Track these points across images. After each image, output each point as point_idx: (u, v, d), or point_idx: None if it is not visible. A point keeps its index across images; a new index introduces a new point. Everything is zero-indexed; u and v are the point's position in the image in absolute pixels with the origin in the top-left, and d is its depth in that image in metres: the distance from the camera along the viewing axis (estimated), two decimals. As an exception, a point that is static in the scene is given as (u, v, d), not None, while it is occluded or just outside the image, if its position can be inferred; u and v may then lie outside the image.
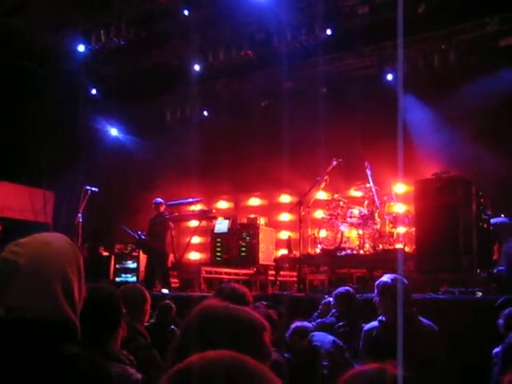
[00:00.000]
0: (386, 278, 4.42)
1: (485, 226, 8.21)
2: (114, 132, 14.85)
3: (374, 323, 4.42)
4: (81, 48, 12.56)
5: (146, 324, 5.09)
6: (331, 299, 5.73)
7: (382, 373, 1.66)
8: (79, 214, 10.52)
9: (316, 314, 6.01)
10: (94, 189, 10.82)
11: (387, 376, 1.64)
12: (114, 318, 2.58)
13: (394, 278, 4.36)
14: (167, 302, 6.07)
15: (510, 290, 6.34)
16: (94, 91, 14.28)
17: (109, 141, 14.63)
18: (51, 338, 1.61)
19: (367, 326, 4.50)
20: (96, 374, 1.66)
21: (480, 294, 6.68)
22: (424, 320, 4.37)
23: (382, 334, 4.24)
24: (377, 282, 4.45)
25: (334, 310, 5.56)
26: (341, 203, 10.15)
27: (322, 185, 9.81)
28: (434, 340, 4.22)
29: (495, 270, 7.59)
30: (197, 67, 12.97)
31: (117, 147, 14.43)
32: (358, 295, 5.88)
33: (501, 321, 4.79)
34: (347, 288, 5.89)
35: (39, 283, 1.67)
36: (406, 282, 4.46)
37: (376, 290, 4.41)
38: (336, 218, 10.01)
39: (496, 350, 4.78)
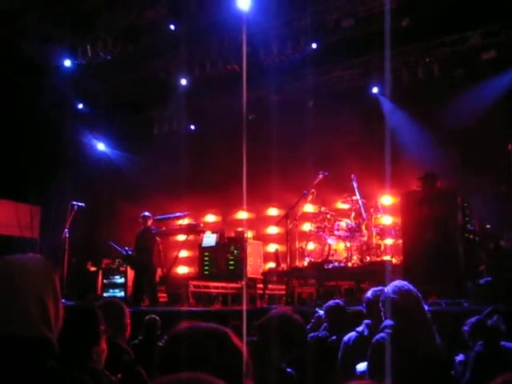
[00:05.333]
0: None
1: (471, 236, 8.26)
2: (100, 146, 14.81)
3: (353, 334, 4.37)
4: (67, 63, 12.54)
5: (134, 342, 5.06)
6: (322, 312, 5.74)
7: None
8: (66, 230, 10.45)
9: (308, 327, 6.01)
10: (80, 204, 10.77)
11: None
12: (91, 333, 2.55)
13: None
14: (152, 316, 6.00)
15: (496, 300, 6.37)
16: (80, 106, 14.25)
17: (96, 155, 14.58)
18: (28, 354, 1.60)
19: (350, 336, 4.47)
20: None
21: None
22: None
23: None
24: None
25: (325, 324, 5.57)
26: (328, 216, 10.17)
27: (309, 198, 9.84)
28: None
29: (482, 281, 7.62)
30: (184, 81, 13.00)
31: (104, 161, 14.39)
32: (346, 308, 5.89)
33: (466, 328, 4.76)
34: (337, 301, 5.90)
35: (13, 303, 1.68)
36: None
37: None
38: (323, 231, 10.02)
39: (459, 358, 4.75)
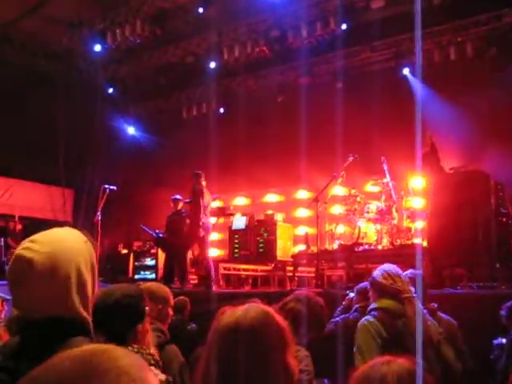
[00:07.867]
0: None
1: (504, 219, 8.15)
2: (131, 130, 14.95)
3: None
4: (97, 48, 12.64)
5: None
6: (353, 295, 5.75)
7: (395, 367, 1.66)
8: (98, 213, 10.60)
9: (339, 309, 6.04)
10: (112, 187, 10.90)
11: (402, 370, 1.65)
12: (137, 311, 2.60)
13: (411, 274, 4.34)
14: (182, 297, 6.11)
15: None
16: (110, 90, 14.38)
17: (126, 139, 14.73)
18: (63, 335, 1.62)
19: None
20: None
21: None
22: (444, 315, 4.38)
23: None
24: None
25: (356, 306, 5.58)
26: (358, 198, 10.11)
27: (339, 180, 9.79)
28: (453, 334, 4.23)
29: (515, 264, 7.54)
30: (212, 64, 13.01)
31: (134, 145, 14.54)
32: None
33: (503, 312, 4.76)
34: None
35: (53, 282, 1.67)
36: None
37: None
38: (353, 214, 9.98)
39: (497, 341, 4.75)
